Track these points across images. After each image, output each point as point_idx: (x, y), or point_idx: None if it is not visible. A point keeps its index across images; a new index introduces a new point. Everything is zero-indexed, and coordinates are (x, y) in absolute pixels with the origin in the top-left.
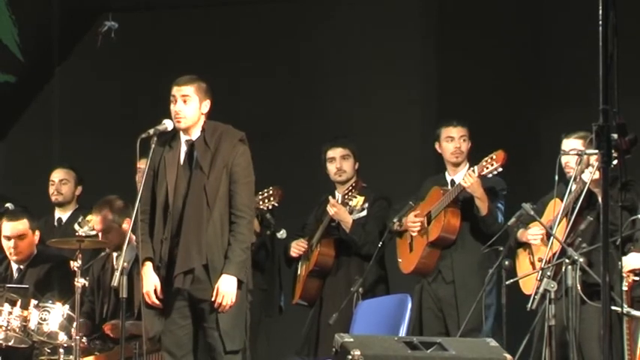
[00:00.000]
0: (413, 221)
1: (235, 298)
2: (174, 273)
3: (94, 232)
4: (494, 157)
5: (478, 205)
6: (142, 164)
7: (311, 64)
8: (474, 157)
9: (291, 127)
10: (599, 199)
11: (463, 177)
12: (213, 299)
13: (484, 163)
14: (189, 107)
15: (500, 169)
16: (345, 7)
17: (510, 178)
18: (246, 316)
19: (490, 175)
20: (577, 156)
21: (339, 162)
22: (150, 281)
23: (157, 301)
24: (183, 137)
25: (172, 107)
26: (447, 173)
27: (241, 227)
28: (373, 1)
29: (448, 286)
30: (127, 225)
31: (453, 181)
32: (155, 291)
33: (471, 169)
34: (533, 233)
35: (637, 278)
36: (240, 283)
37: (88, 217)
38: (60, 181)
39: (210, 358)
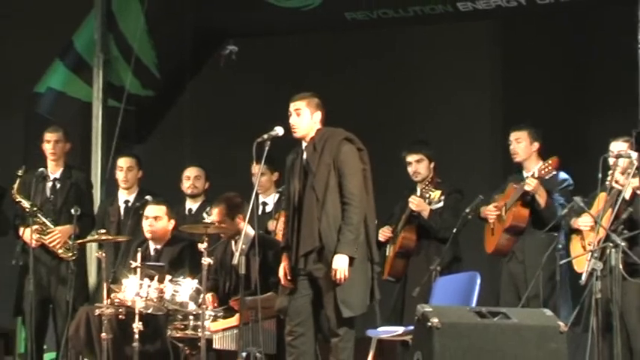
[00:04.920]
0: (490, 210)
1: (348, 272)
2: (297, 257)
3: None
4: (549, 162)
5: (537, 200)
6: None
7: (398, 80)
8: None
9: (381, 132)
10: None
11: (527, 181)
12: (332, 275)
13: (542, 166)
14: (301, 119)
15: (555, 172)
16: (426, 33)
17: None
18: (367, 284)
19: (548, 177)
20: (618, 157)
21: (414, 166)
22: (282, 267)
23: (288, 282)
24: (303, 145)
25: (290, 120)
26: (523, 171)
27: (349, 212)
28: (449, 27)
29: (520, 264)
30: (238, 219)
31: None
32: (285, 274)
33: (532, 173)
34: (583, 221)
35: None
36: (351, 259)
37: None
38: (195, 177)
39: (326, 327)
